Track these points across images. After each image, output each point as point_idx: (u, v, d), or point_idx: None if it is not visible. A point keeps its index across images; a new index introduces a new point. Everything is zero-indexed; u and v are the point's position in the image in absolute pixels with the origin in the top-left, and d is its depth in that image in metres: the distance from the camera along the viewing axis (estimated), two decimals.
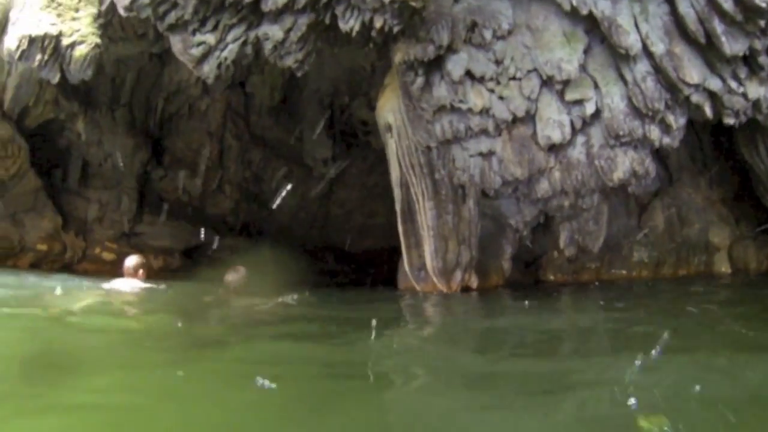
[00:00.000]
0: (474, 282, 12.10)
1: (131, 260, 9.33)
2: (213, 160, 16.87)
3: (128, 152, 15.46)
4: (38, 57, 11.20)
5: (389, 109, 11.90)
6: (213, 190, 16.95)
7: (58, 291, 8.13)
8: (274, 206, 16.65)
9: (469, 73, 10.93)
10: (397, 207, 12.27)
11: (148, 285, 9.19)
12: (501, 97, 11.25)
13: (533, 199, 12.78)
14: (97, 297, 7.99)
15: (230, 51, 9.94)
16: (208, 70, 10.02)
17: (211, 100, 16.70)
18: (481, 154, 11.86)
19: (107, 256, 14.96)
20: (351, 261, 18.80)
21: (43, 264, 13.93)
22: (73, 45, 11.69)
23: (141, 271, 9.19)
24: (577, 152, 11.80)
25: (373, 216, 18.86)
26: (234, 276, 8.93)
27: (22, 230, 13.82)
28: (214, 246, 15.68)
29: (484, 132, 11.62)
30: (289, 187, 16.85)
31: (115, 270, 14.60)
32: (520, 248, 14.06)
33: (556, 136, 11.40)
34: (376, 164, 18.32)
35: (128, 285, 8.86)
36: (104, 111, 15.36)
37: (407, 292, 12.22)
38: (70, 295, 8.21)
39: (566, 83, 11.06)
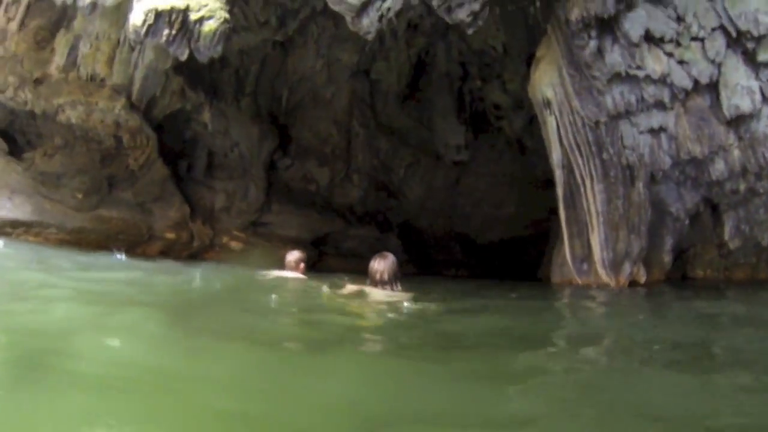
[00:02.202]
0: (642, 276, 9.92)
1: (293, 255, 8.45)
2: (340, 149, 15.26)
3: (254, 141, 14.04)
4: (165, 32, 9.70)
5: (547, 82, 9.90)
6: (341, 179, 15.34)
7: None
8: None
9: (647, 34, 8.89)
10: (558, 191, 10.19)
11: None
12: (681, 62, 9.14)
13: (703, 182, 10.52)
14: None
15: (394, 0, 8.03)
16: (368, 23, 8.15)
17: (336, 88, 15.12)
18: (651, 130, 9.72)
19: (235, 245, 13.58)
20: (477, 251, 16.90)
21: (171, 252, 12.65)
22: (201, 20, 10.17)
23: (302, 265, 8.37)
24: (763, 126, 9.55)
25: (500, 206, 16.82)
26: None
27: (151, 219, 12.59)
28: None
29: (658, 104, 9.50)
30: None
31: (242, 259, 13.25)
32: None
33: (746, 105, 9.19)
34: (505, 152, 16.38)
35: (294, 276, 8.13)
36: (229, 101, 14.00)
37: (565, 287, 10.14)
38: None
39: (759, 41, 8.86)
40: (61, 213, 11.60)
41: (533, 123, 15.12)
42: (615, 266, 9.65)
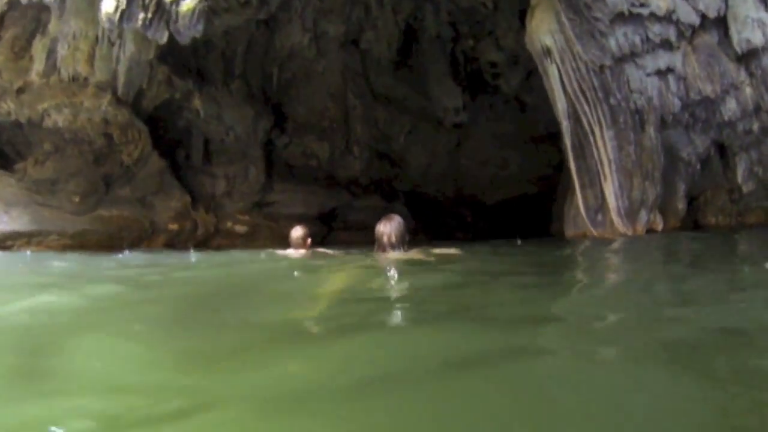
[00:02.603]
0: (659, 224, 9.47)
1: (297, 231, 7.69)
2: (338, 122, 14.74)
3: (249, 122, 13.53)
4: (141, 16, 9.17)
5: (545, 30, 9.34)
6: (341, 152, 14.84)
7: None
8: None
9: None
10: (566, 142, 9.67)
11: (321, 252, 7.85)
12: None
13: (714, 124, 10.00)
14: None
15: None
16: None
17: (327, 62, 14.54)
18: (658, 72, 9.20)
19: (240, 228, 13.18)
20: (486, 213, 16.50)
21: (176, 243, 12.26)
22: (177, 0, 9.70)
23: (309, 241, 7.71)
24: None
25: (504, 166, 16.32)
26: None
27: (152, 212, 12.17)
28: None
29: (664, 44, 8.96)
30: None
31: (249, 242, 12.88)
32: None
33: (757, 39, 8.66)
34: (504, 111, 15.81)
35: (300, 254, 7.46)
36: (219, 85, 13.46)
37: (580, 240, 9.68)
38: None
39: None
40: (61, 219, 11.18)
41: (531, 78, 14.55)
42: (631, 215, 9.20)
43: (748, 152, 10.73)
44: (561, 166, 15.19)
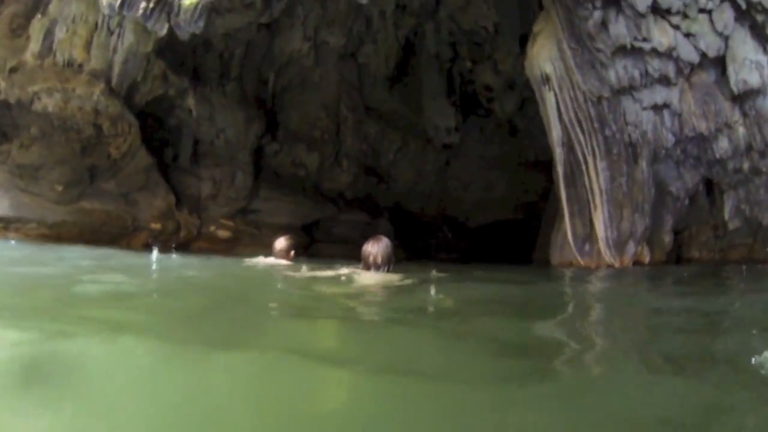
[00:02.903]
0: (647, 256, 9.44)
1: (282, 242, 7.41)
2: (329, 133, 14.59)
3: (241, 126, 13.33)
4: (142, 5, 8.99)
5: (546, 57, 9.32)
6: (330, 164, 14.66)
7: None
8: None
9: (654, 5, 8.34)
10: (559, 170, 9.61)
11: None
12: (688, 34, 8.61)
13: (704, 161, 10.03)
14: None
15: None
16: None
17: (324, 72, 14.42)
18: (654, 106, 9.20)
19: (222, 233, 12.92)
20: (468, 235, 16.40)
21: (157, 243, 11.95)
22: None
23: (292, 252, 7.40)
24: None
25: (490, 189, 16.27)
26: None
27: (135, 209, 11.88)
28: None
29: (662, 80, 8.97)
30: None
31: (230, 248, 12.63)
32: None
33: (754, 80, 8.70)
34: (495, 134, 15.79)
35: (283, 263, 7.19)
36: (214, 86, 13.27)
37: (566, 269, 9.60)
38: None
39: None
40: (41, 207, 10.86)
41: (525, 104, 14.59)
42: (619, 246, 9.15)
43: (736, 190, 10.75)
44: (547, 194, 15.19)
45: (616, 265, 9.13)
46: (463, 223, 16.55)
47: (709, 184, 11.03)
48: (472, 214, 16.43)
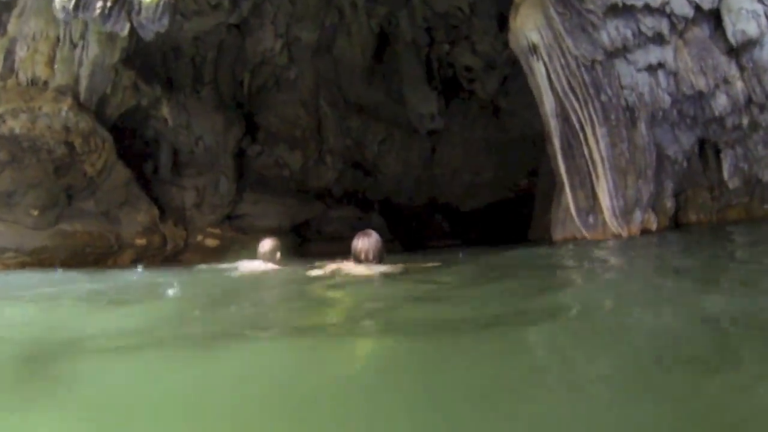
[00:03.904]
0: (653, 223, 8.88)
1: (266, 244, 6.73)
2: (310, 131, 13.88)
3: (219, 131, 12.61)
4: (99, 5, 8.26)
5: (532, 26, 8.71)
6: (314, 162, 13.97)
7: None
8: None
9: None
10: (555, 142, 8.99)
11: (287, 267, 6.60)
12: None
13: (700, 121, 9.51)
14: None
15: None
16: None
17: (299, 69, 13.71)
18: (649, 67, 8.63)
19: (211, 242, 12.21)
20: (462, 220, 15.83)
21: (144, 259, 11.23)
22: None
23: (278, 254, 6.73)
24: (766, 53, 8.57)
25: (479, 172, 15.67)
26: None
27: (118, 227, 11.13)
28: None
29: (655, 38, 8.41)
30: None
31: (220, 257, 11.92)
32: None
33: (752, 30, 8.18)
34: (478, 117, 15.18)
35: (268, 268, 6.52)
36: (188, 92, 12.54)
37: (571, 243, 9.00)
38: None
39: None
40: (18, 234, 10.06)
41: (507, 82, 14.04)
42: (626, 215, 8.59)
43: (734, 148, 10.27)
44: (536, 171, 14.71)
45: (624, 234, 8.57)
46: (455, 209, 15.97)
47: (701, 146, 10.59)
48: (463, 199, 15.86)
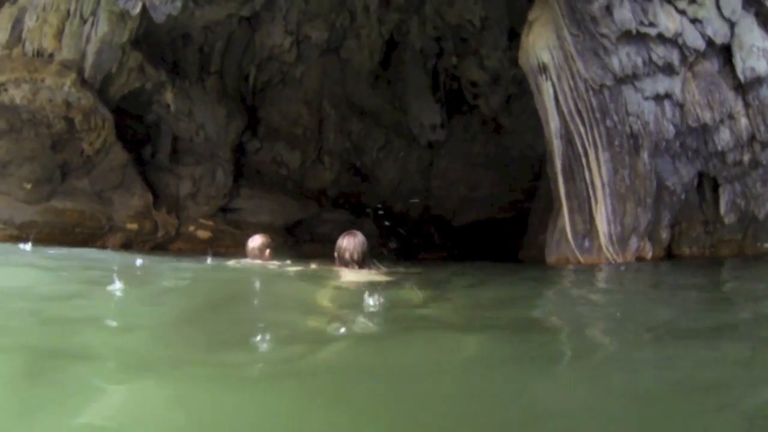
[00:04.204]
0: (649, 252, 8.82)
1: (256, 240, 6.47)
2: (311, 131, 13.77)
3: (221, 123, 12.47)
4: None
5: (543, 45, 8.66)
6: (312, 162, 13.84)
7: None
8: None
9: None
10: (557, 163, 8.92)
11: (278, 264, 6.18)
12: (694, 20, 8.04)
13: (701, 154, 9.48)
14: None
15: None
16: None
17: (306, 67, 13.63)
18: (656, 96, 8.59)
19: (202, 234, 12.04)
20: (453, 234, 15.71)
21: (134, 244, 11.06)
22: None
23: (268, 251, 6.44)
24: None
25: (475, 188, 15.59)
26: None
27: (111, 208, 10.96)
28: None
29: (665, 68, 8.37)
30: None
31: (211, 249, 11.75)
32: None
33: (762, 68, 8.17)
34: (479, 132, 15.13)
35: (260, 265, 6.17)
36: (193, 80, 12.41)
37: (564, 267, 8.91)
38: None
39: None
40: (9, 206, 9.88)
41: (511, 101, 14.00)
42: (622, 241, 8.52)
43: (732, 184, 10.23)
44: (532, 192, 14.66)
45: (619, 260, 8.50)
46: (448, 222, 15.88)
47: (700, 180, 10.57)
48: (457, 213, 15.77)
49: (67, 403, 1.46)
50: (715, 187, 10.48)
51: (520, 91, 13.24)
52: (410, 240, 15.01)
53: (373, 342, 2.31)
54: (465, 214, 15.69)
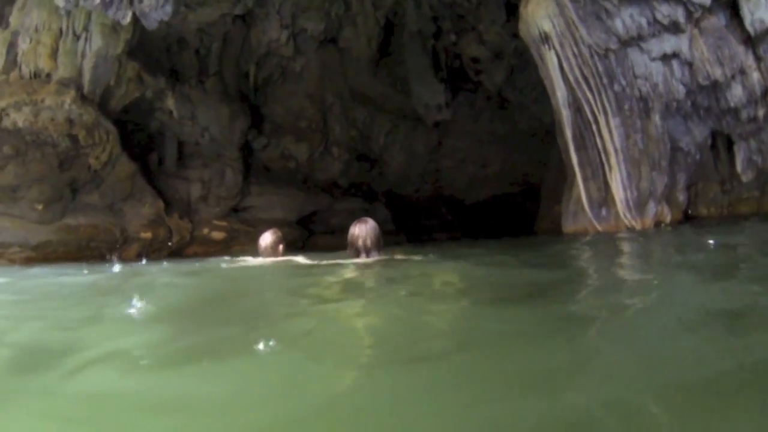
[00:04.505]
0: (667, 215, 8.62)
1: (266, 238, 6.21)
2: (316, 123, 13.60)
3: (225, 123, 12.33)
4: None
5: (543, 15, 8.40)
6: (320, 154, 13.69)
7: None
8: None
9: None
10: (567, 132, 8.69)
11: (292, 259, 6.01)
12: None
13: (713, 113, 9.22)
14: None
15: None
16: None
17: (305, 60, 13.41)
18: (663, 57, 8.33)
19: (217, 235, 11.97)
20: (466, 212, 15.54)
21: (150, 252, 11.00)
22: None
23: (281, 247, 6.21)
24: None
25: (485, 165, 15.36)
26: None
27: (123, 220, 10.89)
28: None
29: (671, 27, 8.10)
30: None
31: (227, 250, 11.70)
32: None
33: None
34: (485, 109, 14.87)
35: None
36: (193, 83, 12.27)
37: (580, 236, 8.74)
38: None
39: None
40: (23, 229, 9.83)
41: (514, 74, 13.73)
42: (639, 207, 8.32)
43: (747, 141, 9.94)
44: (544, 163, 14.43)
45: (637, 227, 8.31)
46: (460, 201, 15.69)
47: (713, 139, 10.30)
48: (468, 191, 15.56)
49: None
50: (730, 145, 10.22)
51: (522, 64, 12.95)
52: (424, 222, 14.88)
53: None
54: (476, 191, 15.49)
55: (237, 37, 12.75)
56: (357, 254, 5.05)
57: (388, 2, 13.37)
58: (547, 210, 12.81)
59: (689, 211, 10.53)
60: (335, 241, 11.88)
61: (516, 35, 12.30)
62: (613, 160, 8.24)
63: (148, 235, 11.06)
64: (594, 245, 6.75)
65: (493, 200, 15.54)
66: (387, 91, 14.38)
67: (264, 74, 13.31)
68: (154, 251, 11.13)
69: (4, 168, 9.81)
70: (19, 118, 9.53)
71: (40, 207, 9.79)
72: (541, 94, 12.88)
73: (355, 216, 13.02)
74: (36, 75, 9.85)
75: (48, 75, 9.82)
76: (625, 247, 6.21)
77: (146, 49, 11.17)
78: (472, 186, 15.50)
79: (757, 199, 10.54)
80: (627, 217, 8.35)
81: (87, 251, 10.22)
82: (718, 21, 8.18)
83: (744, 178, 10.17)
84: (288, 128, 13.25)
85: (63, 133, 9.84)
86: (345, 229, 12.14)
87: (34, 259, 9.57)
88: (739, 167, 10.00)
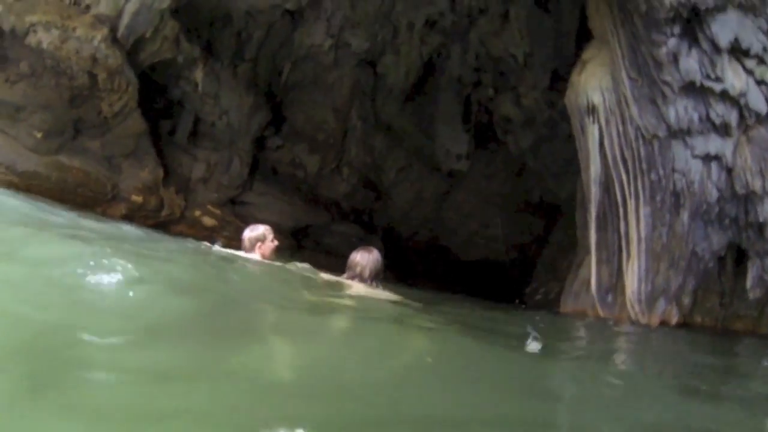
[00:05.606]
0: (675, 316, 8.10)
1: (255, 230, 5.43)
2: (334, 139, 13.10)
3: (245, 112, 11.81)
4: None
5: (596, 85, 8.04)
6: (330, 171, 13.16)
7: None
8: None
9: (733, 43, 7.16)
10: (592, 211, 8.22)
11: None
12: (760, 81, 7.45)
13: (736, 224, 8.84)
14: None
15: None
16: None
17: (340, 74, 13.01)
18: (705, 156, 7.98)
19: (208, 221, 11.32)
20: (458, 267, 14.98)
21: (135, 217, 10.29)
22: None
23: (269, 244, 5.41)
24: None
25: (487, 225, 14.89)
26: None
27: (118, 177, 10.24)
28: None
29: (721, 128, 7.76)
30: None
31: (212, 237, 10.98)
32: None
33: None
34: (501, 170, 14.50)
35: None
36: (226, 63, 11.79)
37: (579, 318, 8.24)
38: None
39: None
40: (14, 151, 9.13)
41: (540, 143, 13.41)
42: (650, 302, 7.81)
43: (763, 259, 9.57)
44: (543, 238, 14.03)
45: (643, 321, 7.79)
46: (455, 256, 15.15)
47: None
48: (465, 248, 15.04)
49: None
50: (738, 259, 9.81)
51: (551, 135, 12.64)
52: (414, 266, 14.27)
53: None
54: (473, 250, 14.96)
55: (281, 32, 12.37)
56: (353, 279, 4.77)
57: (436, 41, 13.11)
58: (540, 284, 12.33)
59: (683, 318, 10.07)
60: (322, 261, 11.23)
61: (553, 104, 12.07)
62: (633, 248, 7.77)
63: (139, 199, 10.40)
64: (593, 338, 6.20)
65: (486, 262, 15.02)
66: (411, 128, 14.01)
67: (296, 76, 12.87)
68: (140, 217, 10.43)
69: (15, 84, 9.16)
70: (45, 39, 8.91)
71: (39, 135, 9.13)
72: (562, 168, 12.58)
73: (350, 241, 12.46)
74: (75, 2, 9.28)
75: (87, 6, 9.25)
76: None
77: (191, 14, 10.74)
78: (469, 243, 14.99)
79: (754, 318, 10.08)
80: (634, 309, 7.83)
81: (71, 195, 9.52)
82: (766, 132, 7.85)
83: (751, 295, 9.67)
84: (305, 136, 12.75)
85: (84, 69, 9.23)
86: (337, 252, 11.52)
87: (15, 186, 8.82)
88: (748, 283, 9.49)
